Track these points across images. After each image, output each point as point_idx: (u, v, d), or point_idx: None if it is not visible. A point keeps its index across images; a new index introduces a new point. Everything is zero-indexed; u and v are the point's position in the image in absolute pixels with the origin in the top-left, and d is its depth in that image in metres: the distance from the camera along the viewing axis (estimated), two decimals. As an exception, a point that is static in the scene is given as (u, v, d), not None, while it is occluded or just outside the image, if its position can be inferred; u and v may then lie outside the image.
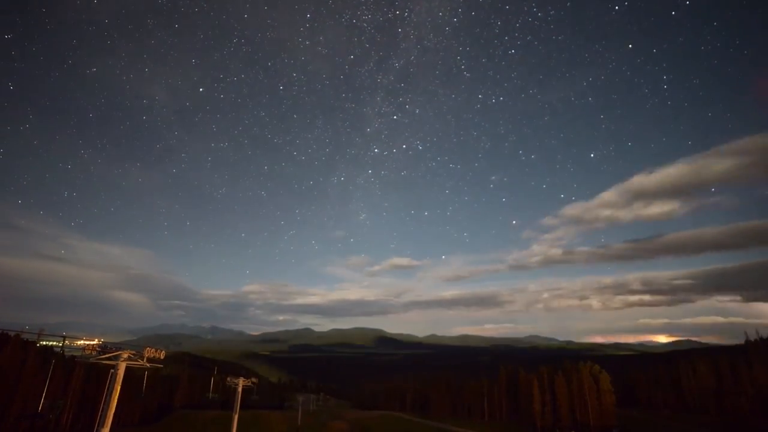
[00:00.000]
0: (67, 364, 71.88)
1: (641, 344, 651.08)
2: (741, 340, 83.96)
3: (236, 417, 39.34)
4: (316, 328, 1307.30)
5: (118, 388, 20.79)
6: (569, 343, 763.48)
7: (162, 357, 22.71)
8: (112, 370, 21.10)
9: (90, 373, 74.38)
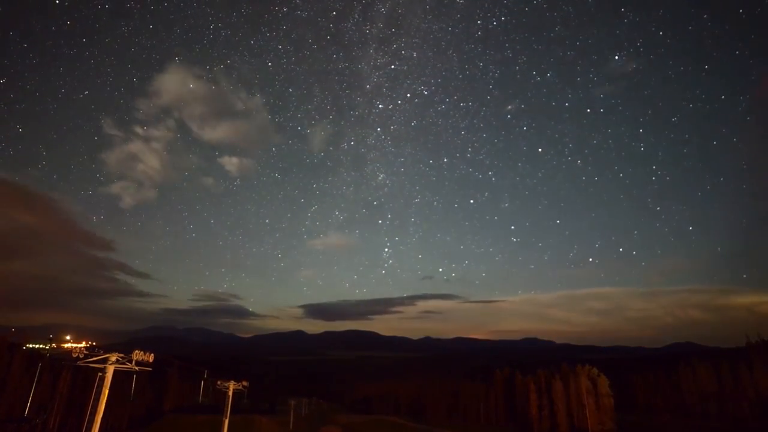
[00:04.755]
0: (54, 366, 69.80)
1: (640, 347, 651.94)
2: (742, 343, 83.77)
3: (227, 421, 38.62)
4: (309, 330, 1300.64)
5: (106, 391, 20.13)
6: (567, 345, 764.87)
7: (151, 360, 21.99)
8: (100, 374, 20.41)
9: (77, 377, 72.25)
